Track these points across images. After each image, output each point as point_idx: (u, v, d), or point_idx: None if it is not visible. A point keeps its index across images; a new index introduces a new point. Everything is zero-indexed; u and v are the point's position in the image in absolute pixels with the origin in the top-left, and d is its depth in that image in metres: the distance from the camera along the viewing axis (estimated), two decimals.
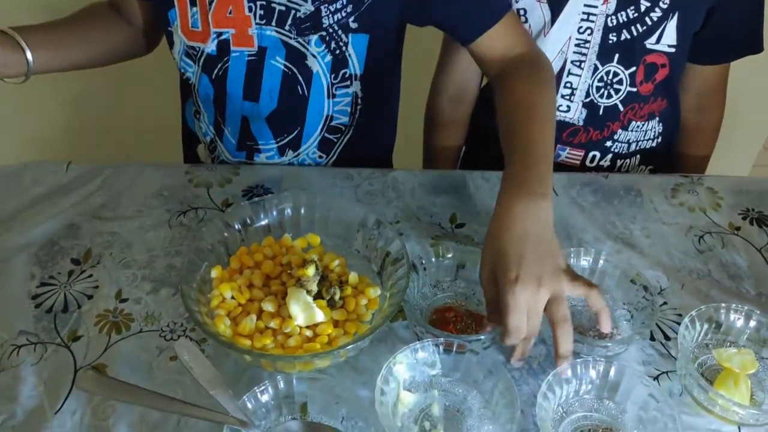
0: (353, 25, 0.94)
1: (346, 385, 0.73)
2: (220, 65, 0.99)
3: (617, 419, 0.70)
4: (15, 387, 0.72)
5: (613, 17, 1.01)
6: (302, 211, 0.86)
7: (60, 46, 0.96)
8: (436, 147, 1.23)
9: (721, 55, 1.10)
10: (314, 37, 0.95)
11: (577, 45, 1.04)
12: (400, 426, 0.69)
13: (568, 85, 1.07)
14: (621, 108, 1.09)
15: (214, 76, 1.01)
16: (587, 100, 1.08)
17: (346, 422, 0.69)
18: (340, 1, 0.92)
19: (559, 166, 1.12)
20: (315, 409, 0.70)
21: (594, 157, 1.13)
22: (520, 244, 0.72)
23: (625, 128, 1.11)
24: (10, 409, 0.70)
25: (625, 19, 1.01)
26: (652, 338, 0.79)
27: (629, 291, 0.81)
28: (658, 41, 1.03)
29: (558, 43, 1.04)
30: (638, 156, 1.15)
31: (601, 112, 1.09)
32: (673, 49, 1.04)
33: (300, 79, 0.99)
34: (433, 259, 0.82)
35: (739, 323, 0.77)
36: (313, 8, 0.93)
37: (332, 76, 0.99)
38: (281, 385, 0.69)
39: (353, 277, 0.79)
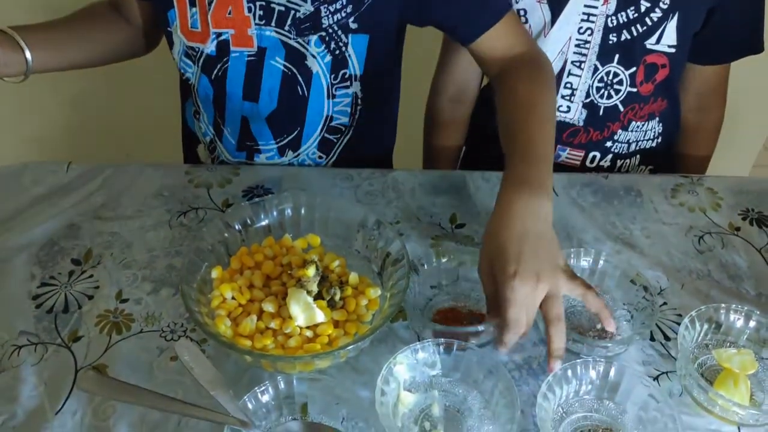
0: (353, 26, 0.94)
1: (346, 386, 0.73)
2: (219, 65, 0.99)
3: (617, 419, 0.71)
4: (15, 387, 0.72)
5: (613, 18, 1.01)
6: (302, 211, 0.86)
7: (59, 46, 0.96)
8: (436, 147, 1.23)
9: (722, 56, 1.10)
10: (314, 38, 0.95)
11: (577, 45, 1.04)
12: (400, 426, 0.69)
13: (569, 85, 1.07)
14: (621, 108, 1.09)
15: (213, 77, 1.01)
16: (587, 100, 1.08)
17: (346, 423, 0.69)
18: (340, 2, 0.92)
19: (560, 167, 1.12)
20: (315, 409, 0.70)
21: (594, 157, 1.13)
22: (520, 241, 0.72)
23: (625, 128, 1.11)
24: (11, 410, 0.70)
25: (625, 20, 1.01)
26: (652, 338, 0.79)
27: (629, 291, 0.81)
28: (658, 41, 1.03)
29: (558, 43, 1.04)
30: (638, 156, 1.15)
31: (601, 112, 1.09)
32: (673, 50, 1.04)
33: (300, 79, 0.99)
34: (434, 260, 0.82)
35: (739, 323, 0.77)
36: (312, 8, 0.92)
37: (332, 76, 0.99)
38: (282, 385, 0.69)
39: (353, 277, 0.79)
